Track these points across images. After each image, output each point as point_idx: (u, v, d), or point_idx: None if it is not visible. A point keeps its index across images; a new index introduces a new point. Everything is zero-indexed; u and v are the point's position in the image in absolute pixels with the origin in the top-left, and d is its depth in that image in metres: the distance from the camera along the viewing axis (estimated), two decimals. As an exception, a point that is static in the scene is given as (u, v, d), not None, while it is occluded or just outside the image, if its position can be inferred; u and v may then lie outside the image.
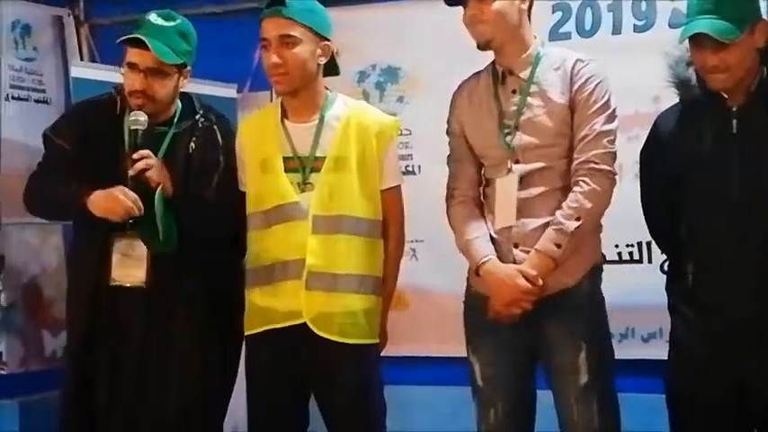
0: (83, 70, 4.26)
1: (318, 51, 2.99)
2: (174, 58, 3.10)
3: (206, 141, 3.19)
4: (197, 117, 3.21)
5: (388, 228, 3.06)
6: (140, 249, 3.10)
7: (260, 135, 3.08)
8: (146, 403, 3.12)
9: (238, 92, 4.56)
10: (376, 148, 3.02)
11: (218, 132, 3.20)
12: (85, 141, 3.15)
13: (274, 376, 2.99)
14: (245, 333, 3.05)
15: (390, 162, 3.07)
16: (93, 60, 4.73)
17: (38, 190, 3.21)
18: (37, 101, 4.59)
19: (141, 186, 3.02)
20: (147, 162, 3.02)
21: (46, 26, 4.68)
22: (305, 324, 2.93)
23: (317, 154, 3.00)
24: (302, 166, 2.99)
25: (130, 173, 3.01)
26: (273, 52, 2.93)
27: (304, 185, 2.98)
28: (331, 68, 3.09)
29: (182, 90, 3.23)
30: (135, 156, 3.02)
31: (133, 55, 3.09)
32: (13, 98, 4.50)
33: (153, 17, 3.13)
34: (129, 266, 3.10)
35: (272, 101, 4.42)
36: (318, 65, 3.00)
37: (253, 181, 3.06)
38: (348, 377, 2.96)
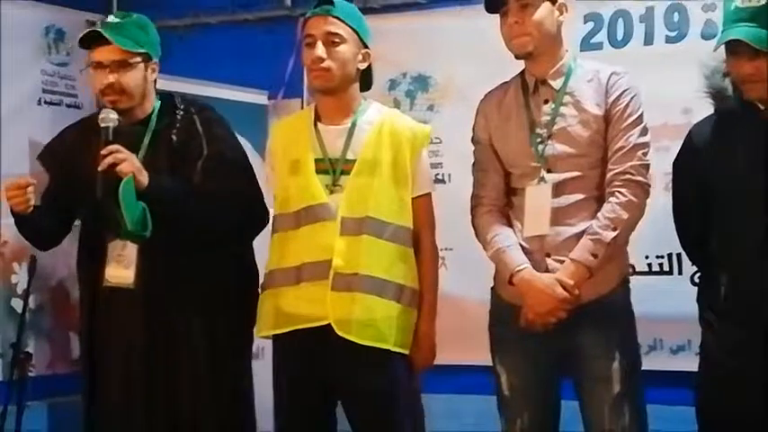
0: (115, 75, 4.28)
1: (360, 56, 3.01)
2: (134, 47, 3.15)
3: (186, 132, 3.21)
4: (177, 112, 3.25)
5: (420, 236, 3.05)
6: (130, 249, 3.12)
7: (292, 137, 3.09)
8: (150, 407, 3.14)
9: (270, 98, 4.58)
10: (408, 154, 3.02)
11: (197, 121, 3.22)
12: (67, 164, 3.21)
13: (300, 379, 2.99)
14: (271, 333, 3.05)
15: (422, 170, 3.06)
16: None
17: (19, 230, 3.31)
18: (69, 105, 4.63)
19: (113, 181, 3.02)
20: (115, 156, 3.03)
21: (79, 31, 4.66)
22: (330, 326, 2.93)
23: (348, 157, 3.00)
24: (332, 169, 3.00)
25: (99, 169, 3.02)
26: (318, 48, 2.96)
27: (333, 187, 2.98)
28: (366, 83, 3.11)
29: (168, 91, 3.31)
30: (103, 152, 3.03)
31: (96, 54, 3.16)
32: (45, 103, 4.54)
33: (110, 18, 3.22)
34: (120, 267, 3.13)
35: (302, 108, 4.46)
36: (357, 69, 3.02)
37: (281, 183, 3.07)
38: (367, 383, 2.95)
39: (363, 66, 3.03)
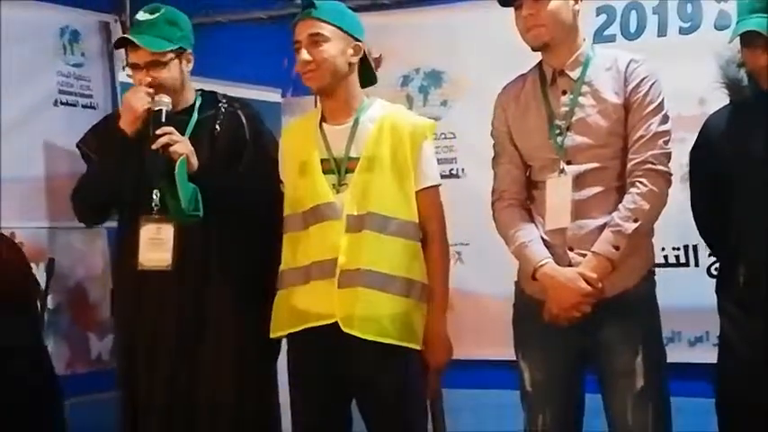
0: (130, 75, 4.30)
1: (350, 51, 3.02)
2: (165, 46, 3.19)
3: (231, 124, 3.26)
4: (219, 105, 3.30)
5: (427, 229, 3.04)
6: (166, 232, 3.14)
7: (300, 139, 3.12)
8: (181, 393, 3.16)
9: (283, 96, 4.58)
10: (409, 148, 3.01)
11: (242, 115, 3.28)
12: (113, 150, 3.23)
13: (314, 376, 3.01)
14: (280, 333, 3.07)
15: (425, 163, 3.05)
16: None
17: (78, 192, 3.31)
18: (84, 106, 4.64)
19: (165, 161, 3.08)
20: (170, 137, 3.09)
21: (93, 32, 4.72)
22: (338, 323, 2.94)
23: (352, 155, 3.02)
24: (337, 168, 3.02)
25: (153, 147, 3.07)
26: (303, 52, 3.01)
27: (339, 186, 3.00)
28: (369, 77, 3.12)
29: (209, 90, 3.34)
30: (158, 132, 3.09)
31: (131, 56, 3.21)
32: (61, 103, 4.56)
33: (140, 15, 3.24)
34: (156, 250, 3.14)
35: (315, 105, 4.47)
36: (350, 64, 3.03)
37: (291, 184, 3.10)
38: (380, 380, 2.96)
39: (355, 59, 3.03)
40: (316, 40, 2.99)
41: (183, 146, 3.10)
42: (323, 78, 3.01)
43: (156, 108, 3.14)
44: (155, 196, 3.11)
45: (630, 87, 2.89)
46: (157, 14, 3.22)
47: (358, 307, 2.93)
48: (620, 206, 2.85)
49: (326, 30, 3.00)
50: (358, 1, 4.28)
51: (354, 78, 3.07)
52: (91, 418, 3.95)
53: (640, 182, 2.84)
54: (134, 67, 3.21)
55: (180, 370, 3.17)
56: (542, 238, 2.93)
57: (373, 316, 2.93)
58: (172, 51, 3.20)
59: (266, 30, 4.68)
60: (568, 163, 2.91)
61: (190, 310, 3.17)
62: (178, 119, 3.19)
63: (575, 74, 2.94)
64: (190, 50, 3.27)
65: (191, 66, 3.29)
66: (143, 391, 3.20)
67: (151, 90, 3.14)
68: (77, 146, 3.36)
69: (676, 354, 3.77)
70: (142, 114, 3.13)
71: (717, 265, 3.11)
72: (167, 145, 3.07)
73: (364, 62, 3.10)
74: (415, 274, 3.00)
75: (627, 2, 4.12)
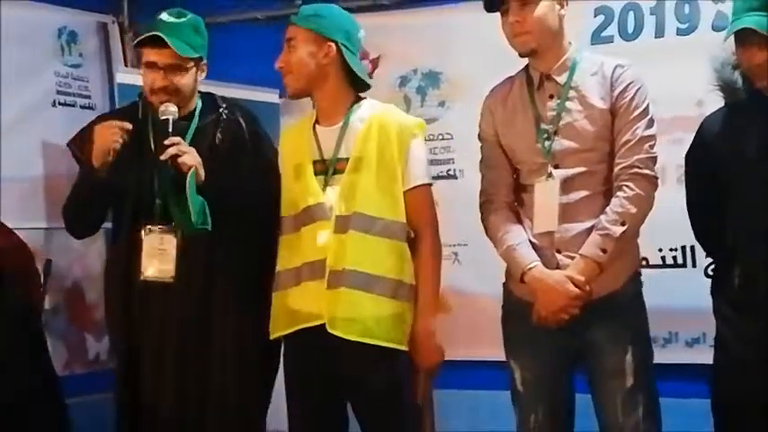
0: (128, 76, 4.30)
1: (321, 53, 3.03)
2: (191, 52, 3.18)
3: (232, 130, 3.26)
4: (220, 110, 3.29)
5: (418, 229, 3.04)
6: (168, 243, 3.15)
7: (295, 142, 3.14)
8: (186, 401, 3.17)
9: (281, 97, 4.58)
10: (396, 147, 3.01)
11: (242, 121, 3.28)
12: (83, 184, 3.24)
13: (307, 377, 3.03)
14: (277, 334, 3.08)
15: (413, 162, 3.04)
16: (136, 66, 4.77)
17: (65, 212, 3.33)
18: (83, 107, 4.64)
19: (173, 171, 3.08)
20: (178, 148, 3.08)
21: (91, 33, 4.74)
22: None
23: (341, 155, 3.03)
24: (326, 168, 3.03)
25: (162, 158, 3.06)
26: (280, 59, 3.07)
27: (326, 187, 3.01)
28: (360, 83, 3.12)
29: (207, 91, 3.34)
30: (166, 142, 3.08)
31: (151, 54, 3.18)
32: (59, 104, 4.56)
33: (165, 16, 3.21)
34: (159, 261, 3.14)
35: (313, 107, 4.48)
36: (323, 65, 3.03)
37: (287, 187, 3.12)
38: (370, 380, 2.96)
39: (326, 60, 3.03)
40: (289, 44, 3.05)
41: (191, 157, 3.09)
42: (294, 82, 3.05)
43: (163, 117, 3.13)
44: (157, 206, 3.10)
45: (617, 92, 2.91)
46: (183, 19, 3.20)
47: (340, 308, 2.94)
48: (607, 210, 2.87)
49: (298, 34, 3.04)
50: (356, 2, 4.29)
51: (339, 79, 3.07)
52: (89, 419, 3.95)
53: (627, 186, 2.86)
54: (150, 66, 3.17)
55: (184, 374, 3.17)
56: (530, 240, 2.94)
57: (357, 317, 2.94)
58: (192, 59, 3.20)
59: (264, 30, 4.67)
60: (556, 167, 2.93)
61: (193, 318, 3.17)
62: (177, 125, 3.18)
63: (561, 78, 2.96)
64: (205, 61, 3.27)
65: (203, 75, 3.29)
66: (147, 396, 3.20)
67: (127, 126, 3.10)
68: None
69: (674, 354, 3.79)
70: (112, 150, 3.09)
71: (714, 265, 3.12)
72: (176, 156, 3.06)
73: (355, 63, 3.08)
74: (405, 276, 3.00)
75: (624, 3, 4.12)
